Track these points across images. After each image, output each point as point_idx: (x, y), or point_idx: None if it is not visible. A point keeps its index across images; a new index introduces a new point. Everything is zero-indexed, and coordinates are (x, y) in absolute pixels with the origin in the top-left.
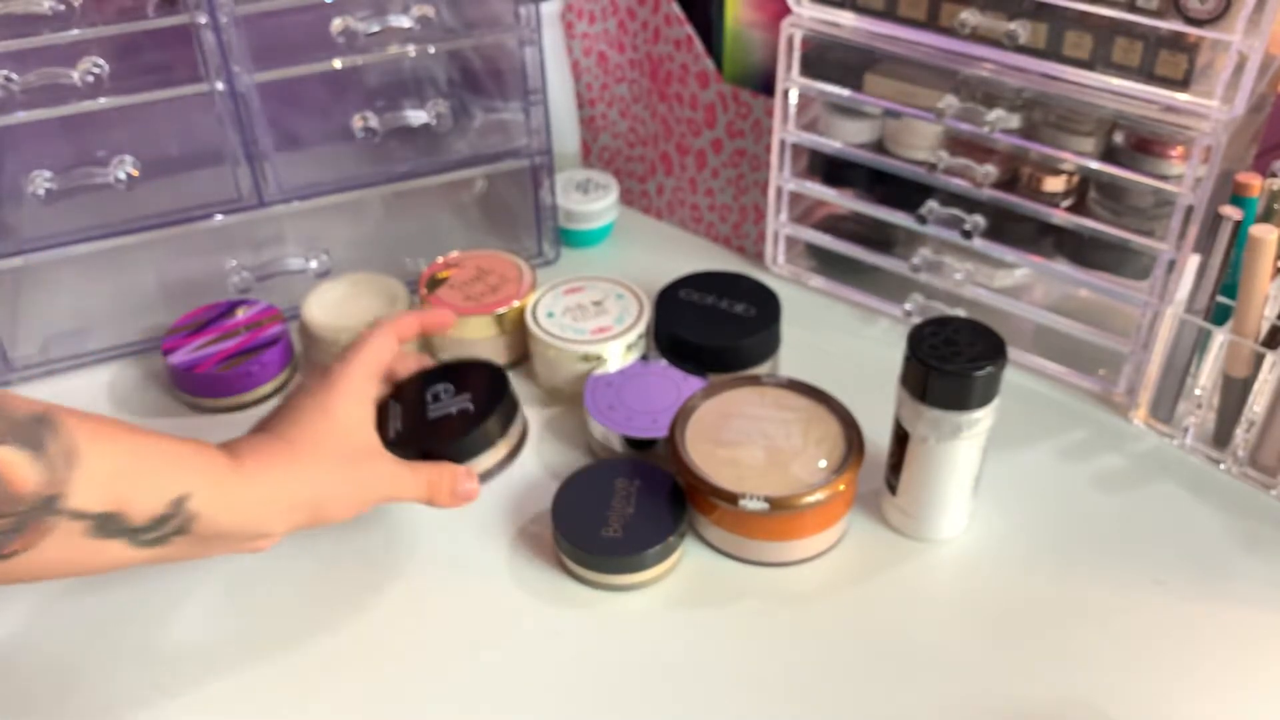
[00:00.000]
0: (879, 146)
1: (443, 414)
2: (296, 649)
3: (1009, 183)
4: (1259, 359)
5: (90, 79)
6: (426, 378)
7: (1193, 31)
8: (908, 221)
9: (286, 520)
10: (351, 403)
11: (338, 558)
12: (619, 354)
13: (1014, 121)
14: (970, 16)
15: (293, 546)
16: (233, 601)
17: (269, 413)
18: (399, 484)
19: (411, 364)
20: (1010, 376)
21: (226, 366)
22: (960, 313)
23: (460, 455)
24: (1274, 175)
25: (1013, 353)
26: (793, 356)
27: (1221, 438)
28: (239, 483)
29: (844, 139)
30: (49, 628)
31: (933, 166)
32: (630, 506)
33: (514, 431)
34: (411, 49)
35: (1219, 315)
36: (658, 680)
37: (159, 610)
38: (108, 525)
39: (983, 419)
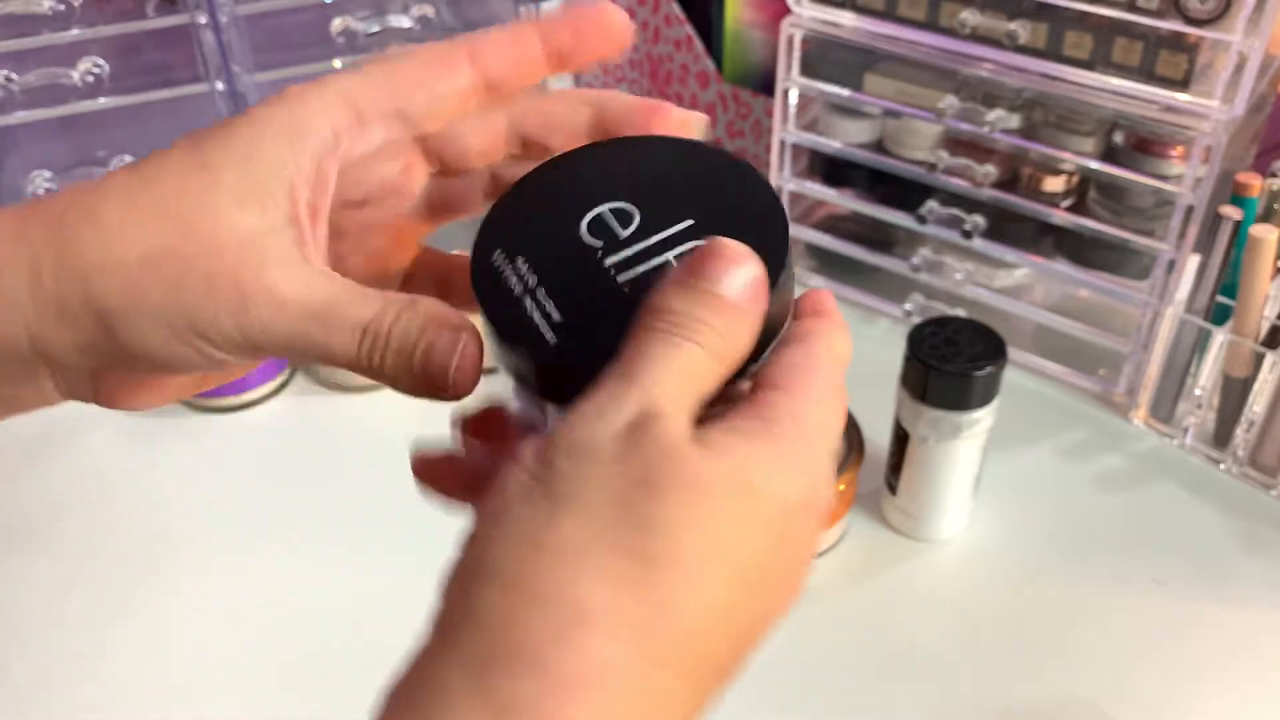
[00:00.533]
0: (879, 146)
1: (646, 274)
2: (281, 646)
3: (1009, 183)
4: (1259, 359)
5: (90, 79)
6: (579, 178)
7: (1193, 31)
8: (908, 221)
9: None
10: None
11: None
12: None
13: (1014, 121)
14: (970, 16)
15: (290, 548)
16: (225, 581)
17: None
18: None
19: (557, 129)
20: (1010, 376)
21: None
22: (960, 313)
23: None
24: (1274, 175)
25: (1013, 353)
26: None
27: (1221, 438)
28: None
29: (844, 139)
30: (47, 628)
31: (933, 166)
32: None
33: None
34: None
35: (1219, 315)
36: None
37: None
38: None
39: (983, 419)
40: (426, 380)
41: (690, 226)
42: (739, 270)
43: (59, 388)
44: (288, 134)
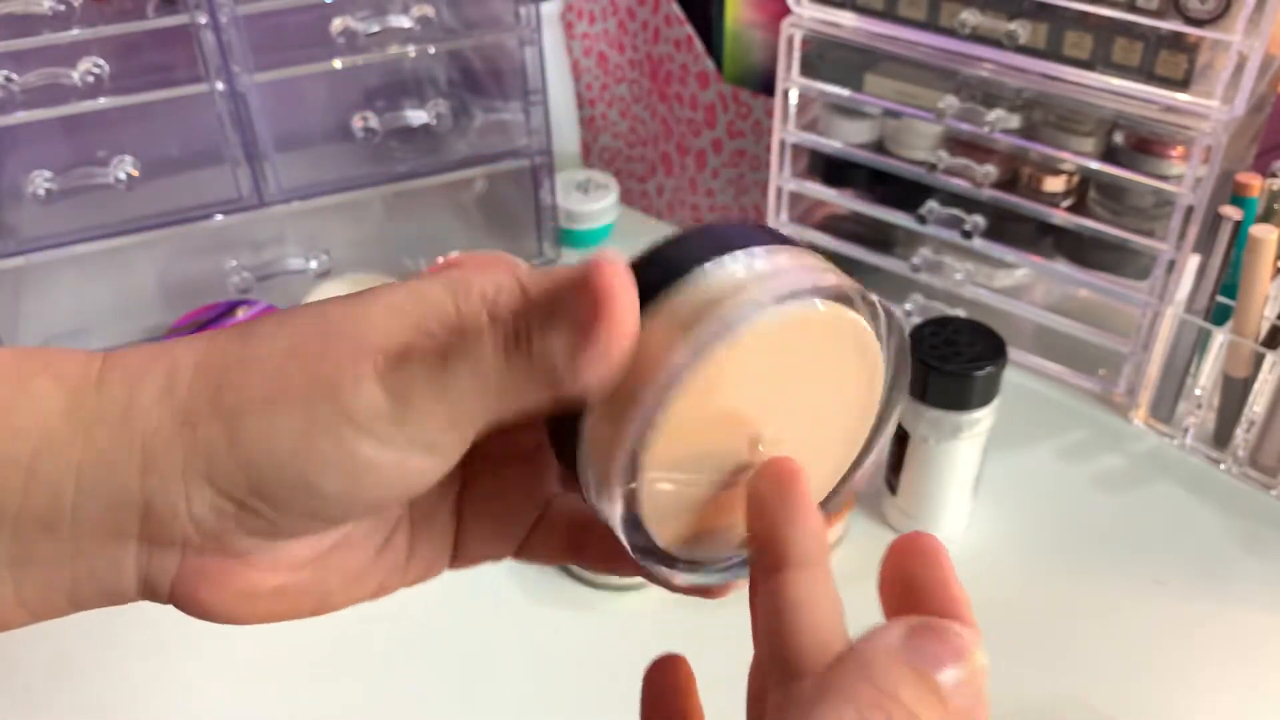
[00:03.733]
0: (879, 146)
1: None
2: (289, 649)
3: (1009, 183)
4: (1259, 359)
5: (90, 79)
6: None
7: (1193, 31)
8: (908, 221)
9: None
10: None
11: None
12: None
13: (1014, 121)
14: (970, 16)
15: None
16: None
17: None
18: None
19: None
20: (1010, 376)
21: None
22: (960, 313)
23: None
24: (1274, 175)
25: (1013, 353)
26: None
27: (1221, 438)
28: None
29: (844, 139)
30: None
31: (933, 166)
32: None
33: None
34: (411, 49)
35: (1219, 315)
36: None
37: None
38: None
39: (983, 419)
40: (580, 327)
41: None
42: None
43: (138, 563)
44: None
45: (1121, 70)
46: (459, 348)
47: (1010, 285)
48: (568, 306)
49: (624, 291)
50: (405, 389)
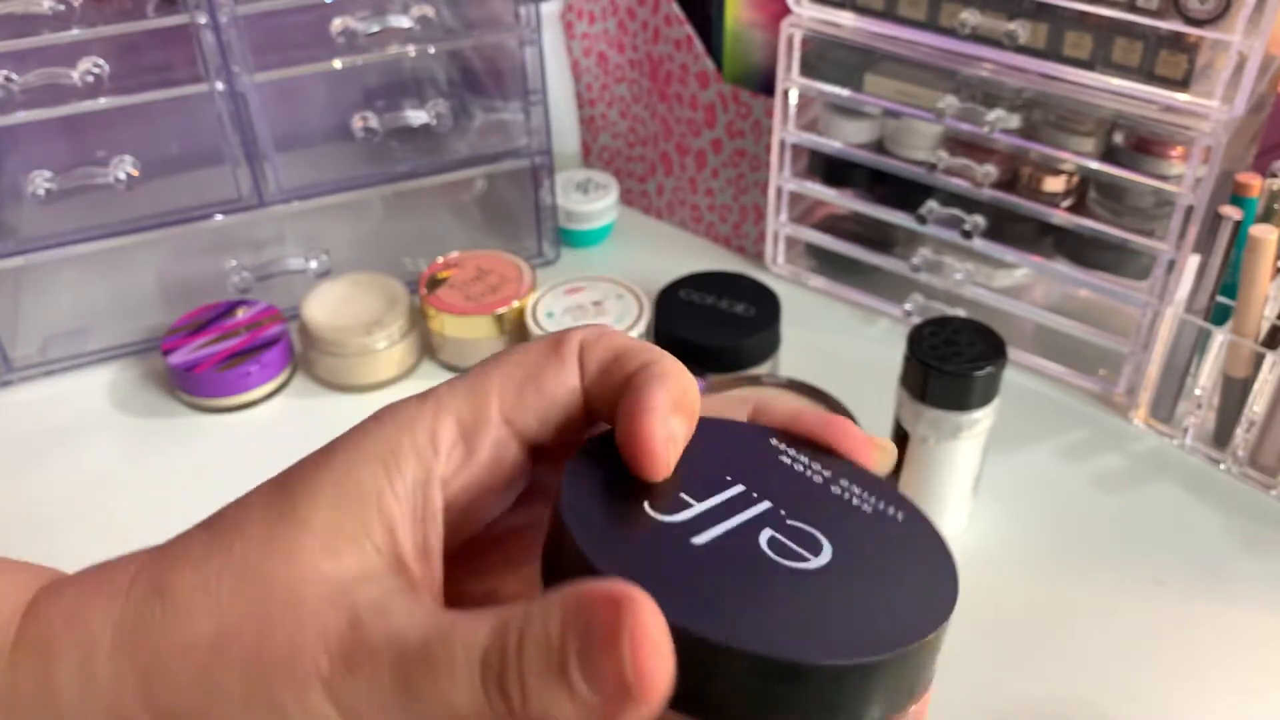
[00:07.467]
0: (879, 146)
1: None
2: None
3: (1009, 183)
4: (1259, 359)
5: (90, 79)
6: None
7: (1193, 31)
8: (908, 221)
9: None
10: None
11: None
12: None
13: (1014, 121)
14: (970, 16)
15: None
16: None
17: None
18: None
19: None
20: (1010, 376)
21: (226, 367)
22: (960, 313)
23: None
24: (1274, 175)
25: (1013, 353)
26: (793, 356)
27: (1221, 438)
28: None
29: (844, 139)
30: None
31: (933, 166)
32: None
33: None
34: (411, 49)
35: (1219, 315)
36: None
37: None
38: None
39: (983, 419)
40: (602, 698)
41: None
42: None
43: None
44: (382, 460)
45: (1121, 70)
46: (424, 669)
47: (1010, 285)
48: (588, 671)
49: (663, 683)
50: (358, 708)
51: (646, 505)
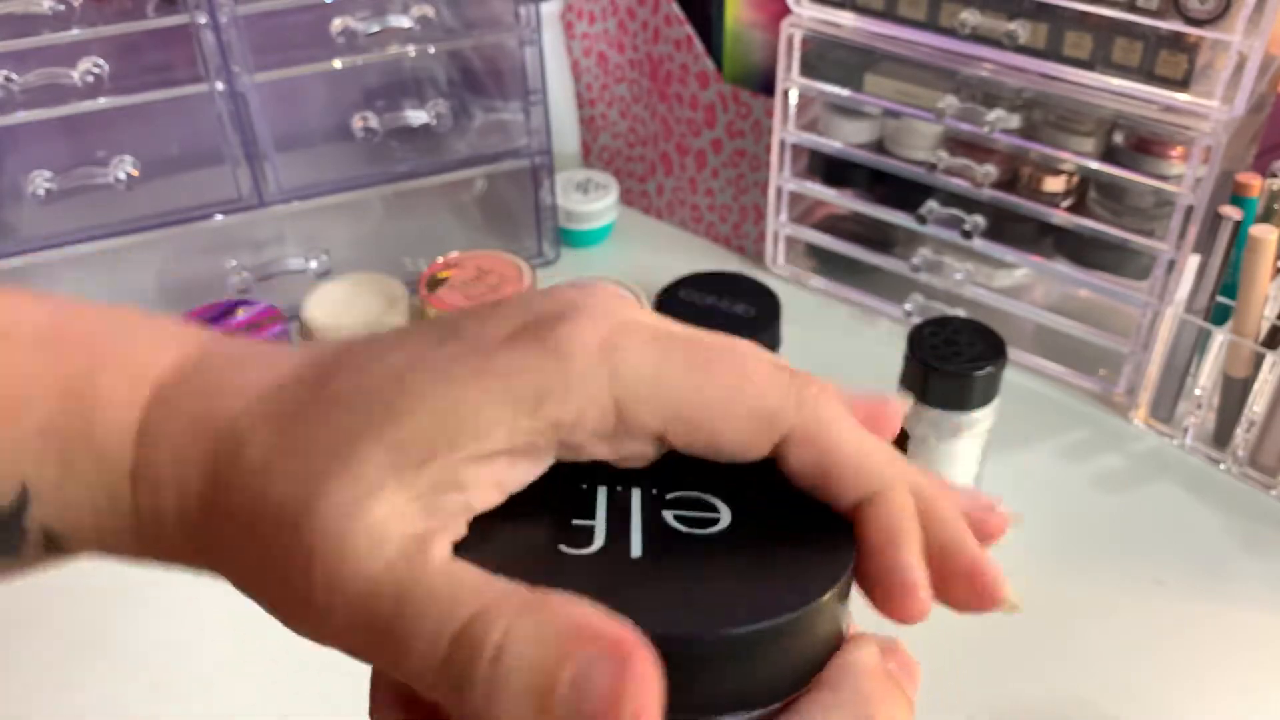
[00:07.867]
0: (879, 146)
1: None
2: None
3: (1009, 183)
4: (1259, 359)
5: (90, 79)
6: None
7: (1193, 31)
8: (908, 221)
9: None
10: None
11: None
12: None
13: (1014, 121)
14: (970, 16)
15: None
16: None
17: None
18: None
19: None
20: (1010, 376)
21: None
22: (960, 313)
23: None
24: (1274, 175)
25: (1013, 353)
26: (793, 356)
27: (1221, 438)
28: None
29: (844, 139)
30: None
31: (933, 166)
32: None
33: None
34: (411, 49)
35: (1219, 315)
36: None
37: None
38: None
39: (983, 419)
40: None
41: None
42: None
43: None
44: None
45: (1121, 70)
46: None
47: (1010, 285)
48: (577, 707)
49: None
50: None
51: (563, 547)
